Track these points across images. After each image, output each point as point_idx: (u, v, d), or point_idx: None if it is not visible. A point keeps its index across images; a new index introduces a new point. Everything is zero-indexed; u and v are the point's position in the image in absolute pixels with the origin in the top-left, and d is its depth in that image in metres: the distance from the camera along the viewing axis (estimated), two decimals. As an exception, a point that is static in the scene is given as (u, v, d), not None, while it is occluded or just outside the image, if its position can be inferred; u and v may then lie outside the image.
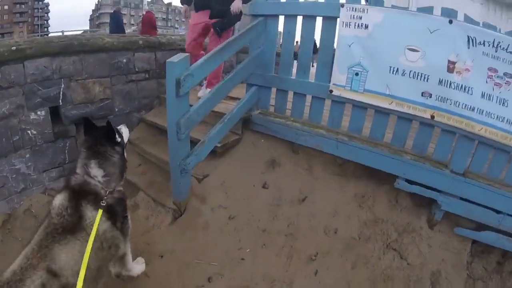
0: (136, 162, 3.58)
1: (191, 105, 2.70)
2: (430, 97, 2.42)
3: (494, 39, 2.16)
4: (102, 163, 1.89)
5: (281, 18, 3.06)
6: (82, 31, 19.17)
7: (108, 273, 2.01)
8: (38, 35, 24.87)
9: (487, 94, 2.23)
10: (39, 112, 3.30)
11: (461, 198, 2.44)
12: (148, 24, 8.32)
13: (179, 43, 4.38)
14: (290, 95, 3.23)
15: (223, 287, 2.41)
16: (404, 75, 2.48)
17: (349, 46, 2.67)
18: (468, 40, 2.23)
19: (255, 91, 3.29)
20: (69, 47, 3.39)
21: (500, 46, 2.16)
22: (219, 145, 3.12)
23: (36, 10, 40.19)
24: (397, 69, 2.49)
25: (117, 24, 9.35)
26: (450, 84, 2.32)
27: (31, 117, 3.25)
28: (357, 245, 2.58)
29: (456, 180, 2.41)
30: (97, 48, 3.62)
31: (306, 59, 3.05)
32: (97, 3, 46.37)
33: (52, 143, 3.47)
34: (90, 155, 1.89)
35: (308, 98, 3.12)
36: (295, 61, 3.26)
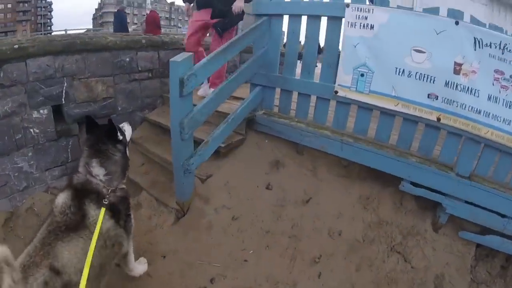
0: (139, 162, 3.61)
1: (194, 105, 2.71)
2: (436, 99, 2.43)
3: (501, 41, 2.17)
4: (104, 161, 1.91)
5: (286, 18, 3.07)
6: (85, 30, 19.26)
7: (111, 272, 2.02)
8: (41, 34, 25.01)
9: (493, 97, 2.23)
10: (41, 111, 3.32)
11: (466, 202, 2.45)
12: (152, 23, 8.38)
13: (182, 42, 4.38)
14: (295, 95, 3.25)
15: (226, 289, 2.43)
16: (410, 76, 2.49)
17: (355, 46, 2.69)
18: (475, 42, 2.23)
19: (259, 91, 3.31)
20: (72, 45, 3.42)
21: (507, 48, 2.16)
22: (222, 145, 3.14)
23: (39, 9, 40.47)
24: (403, 70, 2.50)
25: (121, 23, 9.42)
26: (457, 86, 2.33)
27: (34, 116, 3.28)
28: (361, 248, 2.59)
29: (461, 183, 2.42)
30: (100, 47, 3.65)
31: (311, 59, 3.07)
32: (100, 2, 46.53)
33: (55, 142, 3.50)
34: (92, 154, 1.91)
35: (313, 98, 3.13)
36: (298, 62, 3.27)
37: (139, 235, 2.65)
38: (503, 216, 2.38)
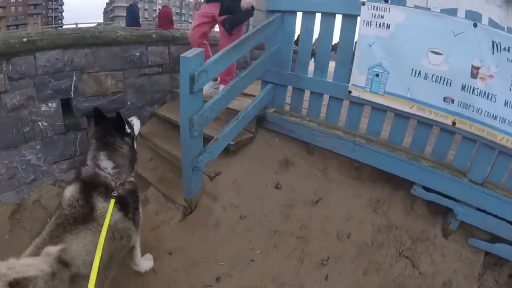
0: (147, 157, 3.69)
1: (205, 101, 2.76)
2: (452, 102, 2.43)
3: (520, 46, 2.17)
4: (112, 154, 1.97)
5: (299, 15, 3.09)
6: (96, 24, 19.47)
7: (118, 265, 2.08)
8: (52, 27, 25.32)
9: (510, 103, 2.23)
10: (50, 104, 3.41)
11: (478, 209, 2.46)
12: (165, 18, 8.49)
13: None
14: (307, 94, 3.28)
15: (232, 288, 2.48)
16: (426, 78, 2.49)
17: (370, 46, 2.70)
18: (493, 45, 2.23)
19: (270, 88, 3.35)
20: (82, 39, 3.49)
21: (525, 54, 2.16)
22: (232, 142, 3.19)
23: (50, 2, 40.83)
24: (420, 72, 2.51)
25: (133, 18, 9.51)
26: (473, 90, 2.33)
27: (42, 109, 3.36)
28: (370, 251, 2.63)
29: (474, 189, 2.43)
30: (110, 41, 3.72)
31: (324, 57, 3.09)
32: (111, -4, 46.81)
33: (63, 135, 3.59)
34: (100, 147, 1.97)
35: (325, 97, 3.15)
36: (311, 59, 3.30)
37: (146, 231, 2.71)
38: (514, 225, 2.41)
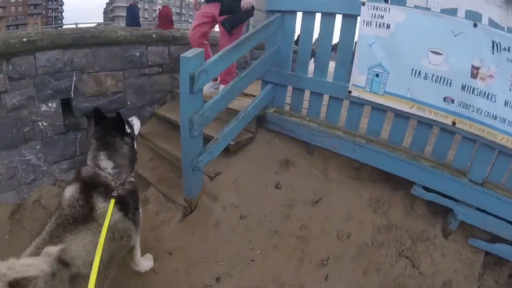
0: (147, 157, 3.71)
1: (205, 101, 2.77)
2: (452, 102, 2.45)
3: (520, 46, 2.18)
4: (112, 154, 1.98)
5: (299, 15, 3.11)
6: (96, 24, 19.55)
7: (118, 265, 2.10)
8: (52, 27, 25.44)
9: (510, 103, 2.24)
10: (50, 104, 3.43)
11: (478, 209, 2.48)
12: (165, 18, 8.55)
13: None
14: (307, 94, 3.30)
15: (232, 288, 2.49)
16: (426, 78, 2.51)
17: (370, 46, 2.71)
18: (493, 45, 2.24)
19: (270, 88, 3.38)
20: (82, 39, 3.52)
21: (525, 54, 2.17)
22: (232, 142, 3.21)
23: (50, 2, 41.03)
24: (420, 72, 2.53)
25: (133, 18, 9.56)
26: (473, 90, 2.35)
27: (42, 109, 3.39)
28: (370, 251, 2.65)
29: (474, 189, 2.45)
30: (110, 41, 3.75)
31: (324, 57, 3.11)
32: (111, -5, 46.96)
33: (63, 135, 3.61)
34: (100, 147, 1.98)
35: (325, 98, 3.17)
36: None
37: (146, 231, 2.73)
38: (514, 224, 2.42)
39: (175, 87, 4.35)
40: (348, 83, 2.91)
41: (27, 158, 3.39)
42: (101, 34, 3.69)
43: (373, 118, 2.93)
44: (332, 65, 3.07)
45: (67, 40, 3.42)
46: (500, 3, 8.03)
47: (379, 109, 2.84)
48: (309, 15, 3.07)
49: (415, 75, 2.56)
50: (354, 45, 2.92)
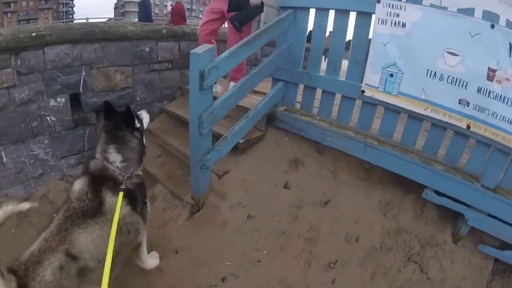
0: (155, 153, 3.78)
1: (215, 98, 2.82)
2: (468, 105, 2.44)
3: (537, 50, 2.17)
4: (121, 148, 2.02)
5: (312, 12, 3.12)
6: (106, 19, 19.69)
7: (123, 264, 2.15)
8: (63, 22, 25.80)
9: None
10: (59, 99, 3.53)
11: (489, 215, 2.48)
12: (178, 14, 8.61)
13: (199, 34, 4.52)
14: (318, 92, 3.31)
15: (237, 289, 2.55)
16: (442, 79, 2.50)
17: (385, 45, 2.71)
18: (510, 47, 2.22)
19: (281, 86, 3.40)
20: (91, 34, 3.59)
21: (543, 58, 2.16)
22: (241, 141, 3.25)
23: None
24: (435, 72, 2.51)
25: (146, 14, 9.63)
26: (489, 93, 2.33)
27: (51, 104, 3.49)
28: (378, 255, 2.66)
29: (486, 195, 2.45)
30: (119, 36, 3.82)
31: (337, 56, 3.12)
32: (122, -9, 47.25)
33: (72, 130, 3.72)
34: (109, 140, 2.03)
35: (337, 97, 3.19)
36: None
37: (153, 228, 2.78)
38: (525, 233, 2.42)
39: (185, 83, 4.40)
40: (361, 82, 2.92)
41: (35, 152, 3.50)
42: (110, 29, 3.76)
43: (386, 119, 2.94)
44: (344, 63, 3.08)
45: (76, 35, 3.50)
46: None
47: (393, 110, 2.85)
48: (322, 12, 3.08)
49: (430, 76, 2.55)
50: (368, 44, 2.91)
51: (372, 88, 2.86)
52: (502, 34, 2.26)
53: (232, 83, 3.89)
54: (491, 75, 2.33)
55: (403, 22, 2.62)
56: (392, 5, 2.64)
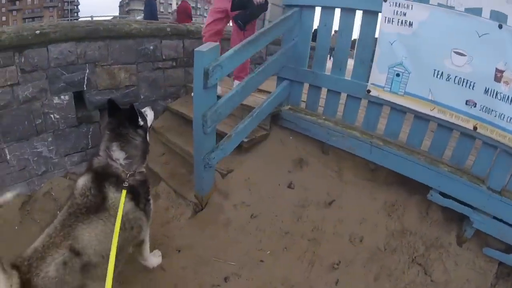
0: (159, 151, 3.82)
1: (219, 96, 2.84)
2: (475, 106, 2.43)
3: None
4: (124, 145, 2.05)
5: (318, 10, 3.13)
6: (111, 17, 19.79)
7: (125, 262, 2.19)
8: (68, 20, 26.05)
9: None
10: (62, 97, 3.57)
11: (495, 217, 2.48)
12: (184, 13, 8.69)
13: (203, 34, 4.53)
14: (323, 92, 3.32)
15: (240, 289, 2.56)
16: (449, 80, 2.50)
17: (391, 44, 2.72)
18: None
19: (286, 85, 3.42)
20: (95, 32, 3.63)
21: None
22: (245, 140, 3.27)
23: None
24: (442, 73, 2.51)
25: (151, 12, 9.68)
26: (497, 94, 2.32)
27: (55, 101, 3.53)
28: (382, 256, 2.67)
29: (492, 197, 2.45)
30: (124, 34, 3.86)
31: (343, 54, 3.12)
32: (127, -11, 47.46)
33: (75, 128, 3.76)
34: (113, 138, 2.06)
35: (343, 96, 3.20)
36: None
37: (156, 227, 2.80)
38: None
39: (189, 81, 4.45)
40: (367, 82, 2.93)
41: (38, 150, 3.55)
42: (114, 27, 3.80)
43: (392, 119, 2.94)
44: (349, 63, 3.09)
45: (80, 32, 3.53)
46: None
47: (399, 110, 2.86)
48: (328, 10, 3.08)
49: (437, 76, 2.55)
50: (374, 43, 2.92)
51: (378, 87, 2.87)
52: (510, 35, 2.25)
53: (236, 82, 3.91)
54: (498, 76, 2.32)
55: (410, 21, 2.63)
56: (399, 4, 2.65)
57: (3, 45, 3.07)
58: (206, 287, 2.52)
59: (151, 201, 2.24)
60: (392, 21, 2.71)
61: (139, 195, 2.07)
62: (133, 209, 2.02)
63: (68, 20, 26.91)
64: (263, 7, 3.66)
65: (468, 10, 2.42)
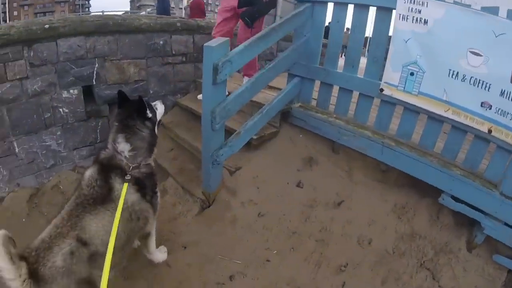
0: (168, 147, 3.87)
1: (229, 92, 2.87)
2: (490, 108, 2.41)
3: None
4: (130, 137, 2.10)
5: (330, 6, 3.13)
6: (123, 12, 19.91)
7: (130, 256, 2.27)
8: (79, 15, 26.35)
9: None
10: (71, 91, 3.65)
11: (506, 224, 2.46)
12: (197, 8, 8.78)
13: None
14: (335, 89, 3.32)
15: (245, 288, 2.59)
16: (464, 80, 2.47)
17: (406, 42, 2.70)
18: None
19: (297, 82, 3.43)
20: (104, 26, 3.69)
21: None
22: (254, 137, 3.29)
23: None
24: (457, 73, 2.49)
25: (164, 8, 9.74)
26: None
27: (64, 96, 3.61)
28: (391, 260, 2.67)
29: (504, 203, 2.42)
30: (133, 28, 3.90)
31: (356, 52, 3.11)
32: (138, -16, 47.63)
33: (84, 122, 3.84)
34: (120, 129, 2.12)
35: (355, 94, 3.20)
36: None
37: (162, 222, 2.85)
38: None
39: (199, 77, 4.43)
40: (380, 80, 2.92)
41: (47, 143, 3.63)
42: (124, 22, 3.84)
43: (405, 119, 2.93)
44: (362, 61, 3.09)
45: (90, 27, 3.59)
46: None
47: (412, 110, 2.84)
48: (340, 6, 3.08)
49: (452, 76, 2.53)
50: (388, 41, 2.90)
51: (391, 86, 2.86)
52: None
53: (245, 79, 3.93)
54: (515, 77, 2.29)
55: (425, 19, 2.60)
56: (414, 1, 2.62)
57: (12, 39, 3.13)
58: (211, 285, 2.55)
59: (158, 194, 2.29)
60: (407, 18, 2.69)
61: (145, 187, 2.12)
62: (139, 201, 2.08)
63: (79, 15, 27.24)
64: (271, 3, 3.66)
65: (484, 9, 2.38)
